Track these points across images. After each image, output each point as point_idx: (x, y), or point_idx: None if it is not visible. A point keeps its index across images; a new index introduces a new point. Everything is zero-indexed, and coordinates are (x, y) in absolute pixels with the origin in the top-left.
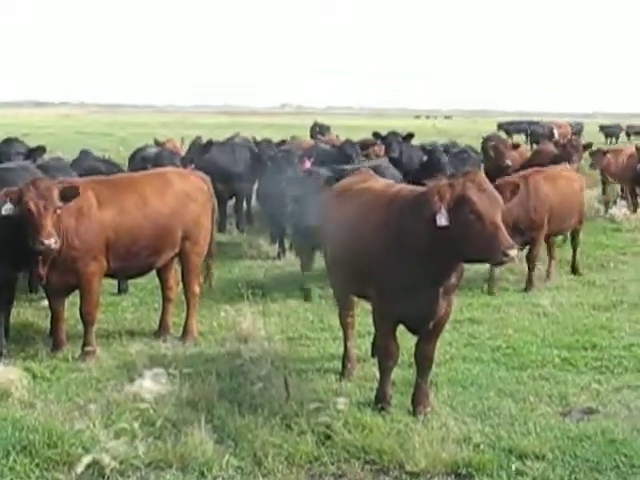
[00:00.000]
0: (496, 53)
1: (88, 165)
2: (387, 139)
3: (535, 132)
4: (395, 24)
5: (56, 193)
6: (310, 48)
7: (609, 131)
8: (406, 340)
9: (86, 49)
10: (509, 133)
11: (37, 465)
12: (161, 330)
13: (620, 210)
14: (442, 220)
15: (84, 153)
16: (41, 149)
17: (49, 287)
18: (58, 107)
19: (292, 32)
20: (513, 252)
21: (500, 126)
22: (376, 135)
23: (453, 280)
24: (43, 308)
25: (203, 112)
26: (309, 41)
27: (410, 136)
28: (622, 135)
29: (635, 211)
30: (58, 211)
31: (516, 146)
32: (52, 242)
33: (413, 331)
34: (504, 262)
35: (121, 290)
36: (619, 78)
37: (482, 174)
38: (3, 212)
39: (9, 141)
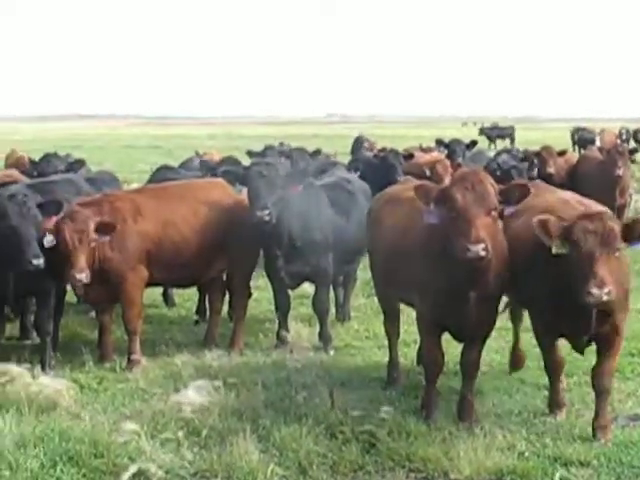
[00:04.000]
0: (545, 58)
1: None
2: (451, 146)
3: (582, 138)
4: (439, 33)
5: (92, 226)
6: (356, 57)
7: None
8: (452, 348)
9: (130, 62)
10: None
11: (84, 475)
12: (207, 340)
13: None
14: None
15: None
16: (80, 162)
17: (88, 301)
18: (104, 120)
19: (338, 41)
20: (475, 248)
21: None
22: (439, 142)
23: (493, 287)
24: (91, 319)
25: (248, 123)
26: (355, 51)
27: (473, 143)
28: None
29: None
30: (93, 244)
31: (562, 153)
32: (83, 277)
33: (458, 338)
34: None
35: (168, 303)
36: None
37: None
38: (46, 245)
39: (48, 156)
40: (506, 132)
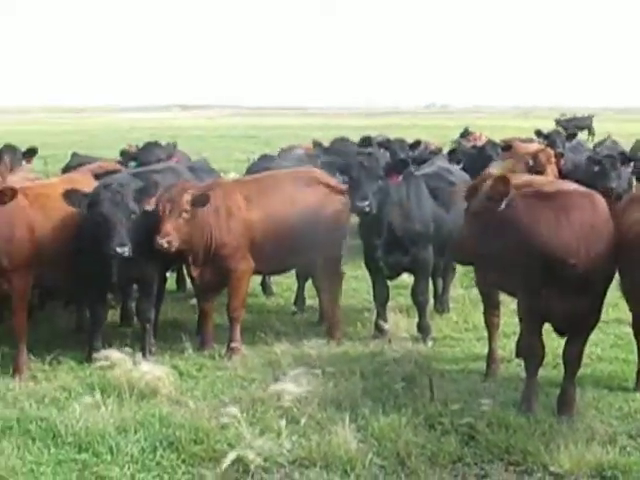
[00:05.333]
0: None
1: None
2: (551, 137)
3: None
4: (546, 20)
5: (186, 198)
6: (454, 46)
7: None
8: (551, 340)
9: (229, 53)
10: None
11: (183, 461)
12: (323, 320)
13: None
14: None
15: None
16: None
17: (200, 286)
18: (202, 110)
19: (438, 30)
20: None
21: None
22: (539, 133)
23: (594, 281)
24: (191, 306)
25: (346, 113)
26: (455, 40)
27: (573, 135)
28: None
29: None
30: (185, 215)
31: None
32: (164, 242)
33: (560, 332)
34: None
35: (266, 292)
36: None
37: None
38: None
39: (150, 145)
40: (584, 123)
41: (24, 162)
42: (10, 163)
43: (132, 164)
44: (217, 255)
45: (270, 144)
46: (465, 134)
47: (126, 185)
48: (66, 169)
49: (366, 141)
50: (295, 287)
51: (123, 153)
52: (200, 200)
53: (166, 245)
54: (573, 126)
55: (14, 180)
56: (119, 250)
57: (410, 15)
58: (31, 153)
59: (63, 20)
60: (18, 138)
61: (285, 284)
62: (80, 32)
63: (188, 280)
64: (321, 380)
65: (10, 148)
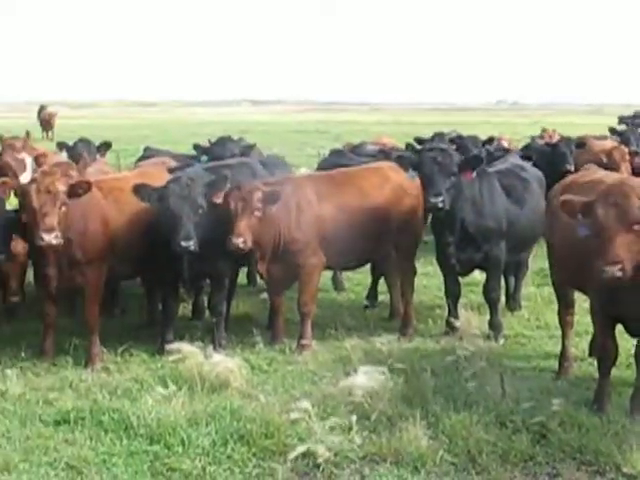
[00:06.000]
0: None
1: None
2: (624, 135)
3: None
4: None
5: (257, 196)
6: (524, 43)
7: None
8: (624, 340)
9: (300, 49)
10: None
11: (254, 454)
12: (394, 316)
13: None
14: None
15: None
16: (251, 146)
17: (270, 281)
18: (274, 105)
19: (511, 26)
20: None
21: (621, 120)
22: (612, 131)
23: None
24: (262, 301)
25: (418, 109)
26: (526, 36)
27: None
28: None
29: None
30: (257, 213)
31: None
32: (239, 242)
33: (631, 332)
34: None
35: (337, 287)
36: None
37: None
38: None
39: (223, 139)
40: None
41: (98, 156)
42: (87, 157)
43: (204, 158)
44: (287, 250)
45: (340, 139)
46: (542, 134)
47: (195, 179)
48: (138, 162)
49: (438, 137)
50: (366, 282)
51: (196, 147)
52: (272, 198)
53: (241, 245)
54: (639, 123)
55: (89, 173)
56: (184, 244)
57: (482, 11)
58: (105, 147)
59: (140, 14)
60: (90, 132)
61: (356, 279)
62: (157, 27)
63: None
64: (391, 376)
65: (86, 142)
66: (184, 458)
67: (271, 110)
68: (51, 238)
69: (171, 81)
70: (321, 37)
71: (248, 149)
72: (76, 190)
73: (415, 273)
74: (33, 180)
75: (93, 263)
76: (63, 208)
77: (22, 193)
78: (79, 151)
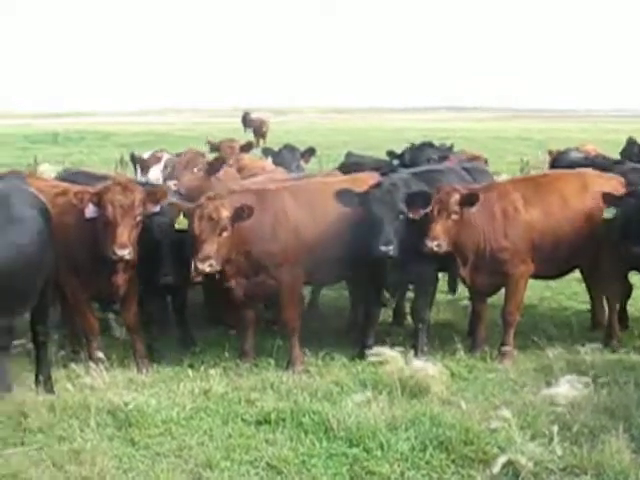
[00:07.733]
0: None
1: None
2: None
3: None
4: None
5: (456, 198)
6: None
7: None
8: None
9: (499, 52)
10: None
11: (453, 461)
12: (596, 325)
13: None
14: None
15: None
16: (450, 149)
17: (474, 288)
18: (474, 112)
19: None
20: None
21: None
22: None
23: None
24: (462, 308)
25: (622, 117)
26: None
27: None
28: None
29: None
30: (454, 216)
31: None
32: (434, 245)
33: None
34: None
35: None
36: None
37: None
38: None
39: (423, 145)
40: None
41: (302, 162)
42: (288, 162)
43: (395, 163)
44: (493, 258)
45: (543, 147)
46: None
47: (398, 185)
48: (341, 168)
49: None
50: (568, 291)
51: (389, 153)
52: (469, 200)
53: (436, 248)
54: None
55: (255, 181)
56: (383, 249)
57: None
58: (310, 153)
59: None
60: (294, 137)
61: (558, 288)
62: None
63: (459, 281)
64: (594, 387)
65: (290, 148)
66: (383, 462)
67: (472, 117)
68: (205, 267)
69: (369, 88)
70: (524, 41)
71: (447, 151)
72: (240, 214)
73: (621, 283)
74: (198, 205)
75: (285, 266)
76: (224, 234)
77: (185, 216)
78: (284, 157)
